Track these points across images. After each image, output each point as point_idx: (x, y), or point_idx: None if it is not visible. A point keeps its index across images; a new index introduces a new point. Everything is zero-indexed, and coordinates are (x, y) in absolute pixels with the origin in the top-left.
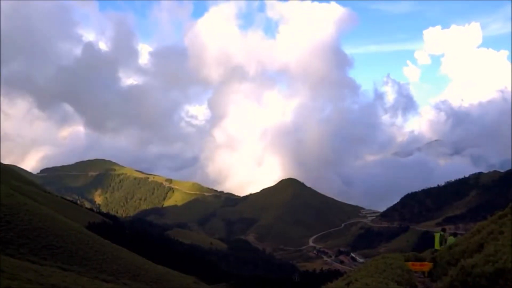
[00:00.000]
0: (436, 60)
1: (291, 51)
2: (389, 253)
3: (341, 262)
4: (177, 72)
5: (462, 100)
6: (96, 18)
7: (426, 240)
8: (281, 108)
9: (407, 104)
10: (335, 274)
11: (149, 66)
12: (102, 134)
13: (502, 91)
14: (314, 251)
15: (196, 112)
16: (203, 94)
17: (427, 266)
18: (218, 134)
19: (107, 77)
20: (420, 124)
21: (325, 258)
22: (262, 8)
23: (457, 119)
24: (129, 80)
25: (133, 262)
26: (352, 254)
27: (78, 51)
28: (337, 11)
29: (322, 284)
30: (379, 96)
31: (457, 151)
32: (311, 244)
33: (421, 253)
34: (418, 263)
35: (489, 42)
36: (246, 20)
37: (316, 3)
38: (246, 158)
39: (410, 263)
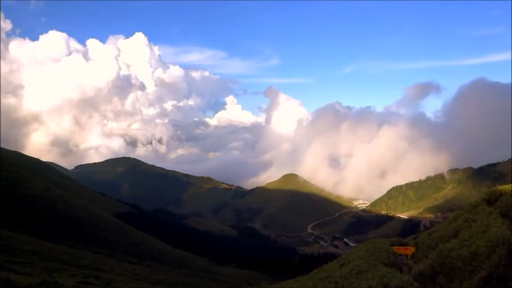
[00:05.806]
0: None
1: None
2: (377, 239)
3: (335, 246)
4: None
5: None
6: None
7: (409, 227)
8: None
9: None
10: (330, 257)
11: None
12: None
13: None
14: (312, 237)
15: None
16: None
17: (410, 250)
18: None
19: None
20: None
21: (322, 243)
22: None
23: None
24: None
25: (155, 246)
26: (345, 239)
27: None
28: None
29: (319, 265)
30: None
31: None
32: (309, 230)
33: (405, 239)
34: (402, 247)
35: None
36: None
37: None
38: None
39: (395, 247)
